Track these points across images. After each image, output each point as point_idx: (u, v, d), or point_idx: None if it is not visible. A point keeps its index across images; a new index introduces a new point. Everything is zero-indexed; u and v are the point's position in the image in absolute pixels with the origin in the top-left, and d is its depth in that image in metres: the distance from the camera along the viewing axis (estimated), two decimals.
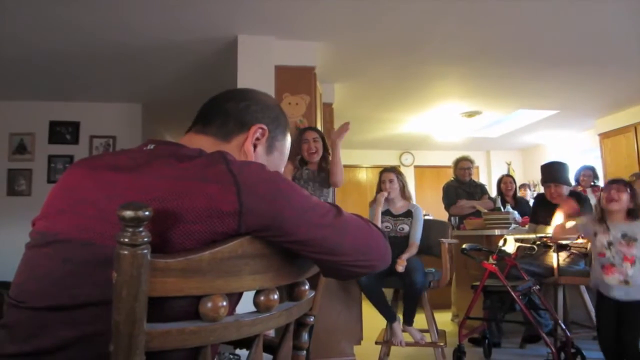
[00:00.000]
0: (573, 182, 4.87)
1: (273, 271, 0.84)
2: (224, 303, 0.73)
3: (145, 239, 0.64)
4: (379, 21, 3.44)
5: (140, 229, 0.63)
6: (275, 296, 0.84)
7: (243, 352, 1.20)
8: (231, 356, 1.92)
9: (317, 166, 3.17)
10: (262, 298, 0.82)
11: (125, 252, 0.63)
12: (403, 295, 3.08)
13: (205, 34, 3.62)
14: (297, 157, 3.13)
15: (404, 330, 3.03)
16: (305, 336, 1.07)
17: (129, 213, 0.62)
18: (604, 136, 6.30)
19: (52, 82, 4.58)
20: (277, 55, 3.67)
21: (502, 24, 3.49)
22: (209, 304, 0.72)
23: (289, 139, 1.10)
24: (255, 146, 0.98)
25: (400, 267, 3.03)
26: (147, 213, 0.63)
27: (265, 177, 0.80)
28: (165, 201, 0.73)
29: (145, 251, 0.64)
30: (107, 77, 4.51)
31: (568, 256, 3.38)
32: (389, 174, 3.39)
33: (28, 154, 5.06)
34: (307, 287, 0.98)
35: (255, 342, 0.86)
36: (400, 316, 3.04)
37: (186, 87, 4.78)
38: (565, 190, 3.58)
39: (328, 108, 4.73)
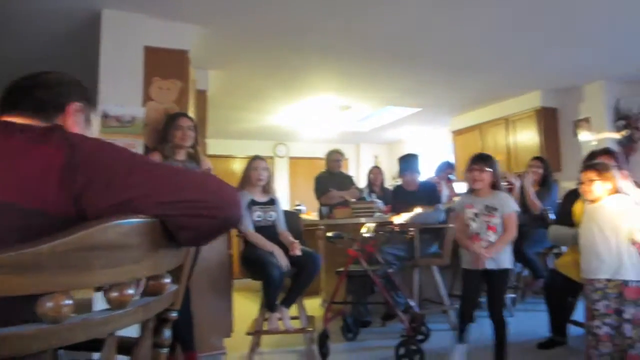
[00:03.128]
0: (434, 175, 5.41)
1: (128, 264, 0.79)
2: (68, 301, 0.67)
3: None
4: (258, 8, 3.37)
5: None
6: (131, 291, 0.79)
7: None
8: None
9: (185, 155, 3.01)
10: (114, 294, 0.77)
11: None
12: (297, 281, 3.13)
13: (64, 5, 3.22)
14: (168, 144, 2.92)
15: (279, 318, 3.09)
16: (167, 333, 1.02)
17: None
18: (457, 133, 7.05)
19: None
20: (148, 36, 3.42)
21: (376, 23, 3.67)
22: (49, 304, 0.65)
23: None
24: (76, 122, 1.08)
25: (298, 251, 3.11)
26: None
27: (100, 142, 0.93)
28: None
29: None
30: None
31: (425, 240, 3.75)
32: (262, 161, 3.40)
33: None
34: (168, 280, 0.94)
35: (107, 342, 0.80)
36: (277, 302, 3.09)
37: (41, 63, 4.22)
38: (417, 177, 4.06)
39: (202, 95, 4.57)
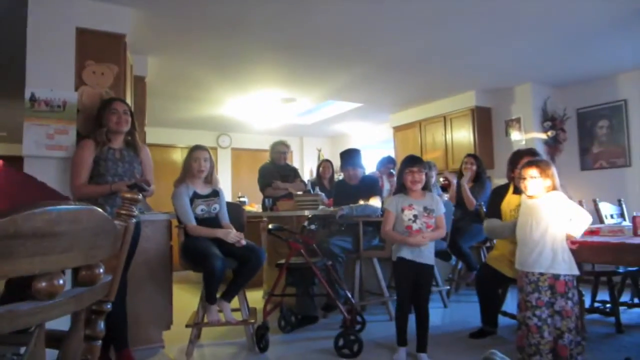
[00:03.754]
0: (376, 169, 5.53)
1: (58, 253, 0.75)
2: None
3: None
4: None
5: None
6: (61, 281, 0.76)
7: None
8: (14, 357, 1.67)
9: (122, 143, 2.86)
10: (43, 284, 0.73)
11: None
12: (239, 274, 3.10)
13: None
14: (102, 130, 2.77)
15: (219, 310, 3.05)
16: (101, 324, 0.99)
17: None
18: (397, 129, 7.25)
19: None
20: (80, 17, 3.22)
21: (317, 15, 3.68)
22: None
23: None
24: None
25: (243, 241, 3.12)
26: None
27: None
28: None
29: None
30: None
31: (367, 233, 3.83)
32: (204, 152, 3.31)
33: None
34: (101, 270, 0.90)
35: (34, 334, 0.76)
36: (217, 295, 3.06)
37: None
38: (360, 172, 4.11)
39: (140, 82, 4.39)
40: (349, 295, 3.38)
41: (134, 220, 1.06)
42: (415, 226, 2.80)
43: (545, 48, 4.48)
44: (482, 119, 6.07)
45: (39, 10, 3.10)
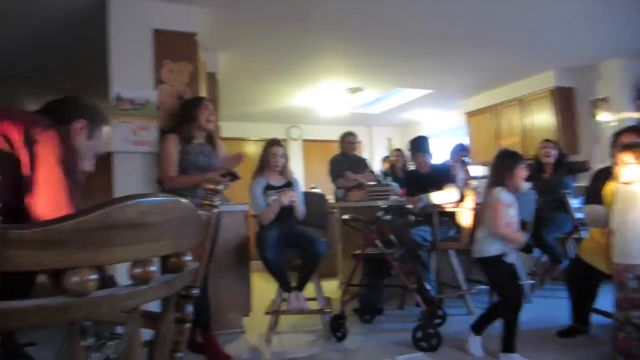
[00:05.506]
0: (449, 158, 5.35)
1: (149, 242, 0.79)
2: (93, 276, 0.67)
3: None
4: None
5: None
6: (153, 268, 0.80)
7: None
8: (111, 335, 1.80)
9: (204, 138, 2.99)
10: (138, 270, 0.77)
11: None
12: (302, 264, 3.16)
13: None
14: (187, 125, 2.89)
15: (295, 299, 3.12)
16: (189, 308, 1.04)
17: None
18: (470, 115, 6.96)
19: None
20: (156, 19, 3.40)
21: (383, 1, 3.62)
22: (74, 278, 0.66)
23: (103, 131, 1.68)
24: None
25: (286, 199, 3.23)
26: None
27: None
28: None
29: None
30: None
31: (443, 224, 3.72)
32: (280, 147, 3.39)
33: None
34: (188, 258, 0.94)
35: (131, 316, 0.81)
36: (293, 283, 3.12)
37: (52, 48, 4.25)
38: (429, 158, 3.98)
39: (212, 78, 4.56)
40: (429, 287, 3.30)
41: (215, 210, 1.09)
42: (515, 224, 2.67)
43: (636, 17, 4.08)
44: (564, 101, 5.67)
45: (118, 15, 3.30)
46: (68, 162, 1.38)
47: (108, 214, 0.70)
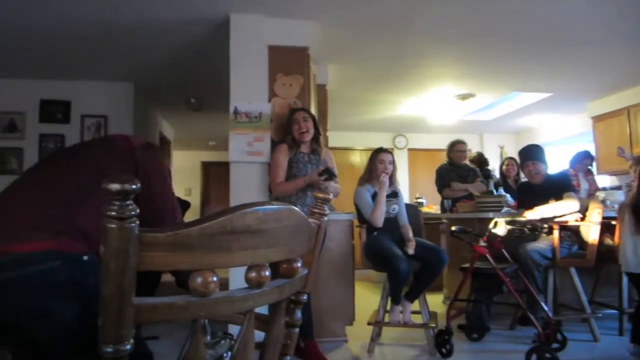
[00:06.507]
0: (569, 166, 4.90)
1: (264, 247, 0.83)
2: (214, 278, 0.73)
3: (133, 213, 0.62)
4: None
5: (128, 202, 0.62)
6: (267, 272, 0.84)
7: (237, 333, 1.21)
8: (224, 335, 1.92)
9: (309, 148, 3.12)
10: (253, 274, 0.82)
11: (113, 226, 0.62)
12: (421, 275, 3.11)
13: (197, 13, 3.54)
14: (288, 137, 3.10)
15: (400, 311, 3.08)
16: (298, 313, 1.07)
17: (115, 186, 0.61)
18: (597, 119, 6.31)
19: (42, 60, 4.50)
20: (270, 35, 3.60)
21: (497, 3, 3.45)
22: (199, 279, 0.71)
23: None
24: None
25: (411, 250, 3.10)
26: (133, 186, 0.61)
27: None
28: None
29: (133, 225, 0.63)
30: (98, 55, 4.43)
31: (565, 239, 3.40)
32: (388, 154, 3.38)
33: (18, 132, 4.99)
34: (299, 264, 0.98)
35: (246, 318, 0.86)
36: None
37: (179, 67, 4.72)
38: (543, 168, 3.60)
39: (322, 89, 4.69)
40: (545, 307, 3.05)
41: (325, 218, 1.11)
42: None
43: None
44: None
45: (239, 34, 3.54)
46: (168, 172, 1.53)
47: (229, 221, 0.76)
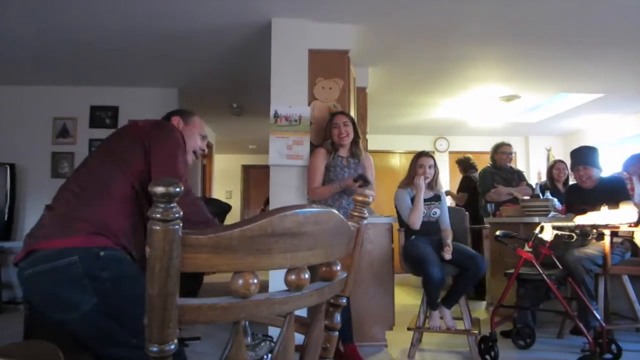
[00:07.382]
0: (622, 169, 4.66)
1: (304, 250, 0.83)
2: (255, 280, 0.73)
3: (177, 215, 0.64)
4: (413, 1, 3.34)
5: (172, 204, 0.63)
6: (307, 275, 0.84)
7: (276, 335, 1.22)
8: (264, 337, 1.94)
9: (348, 152, 3.12)
10: (292, 277, 0.82)
11: (157, 228, 0.63)
12: (458, 281, 3.06)
13: (239, 18, 3.61)
14: (328, 141, 3.11)
15: (440, 317, 3.03)
16: (337, 317, 1.07)
17: (160, 189, 0.62)
18: None
19: (92, 67, 4.71)
20: (311, 39, 3.62)
21: (543, 3, 3.34)
22: (240, 281, 0.72)
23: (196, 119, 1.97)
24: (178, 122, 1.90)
25: (448, 255, 3.03)
26: (177, 189, 0.63)
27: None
28: None
29: (177, 227, 0.64)
30: (144, 62, 4.60)
31: (617, 246, 3.24)
32: (429, 159, 3.33)
33: (70, 137, 5.25)
34: (338, 267, 0.97)
35: (286, 320, 0.86)
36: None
37: (221, 72, 4.82)
38: (596, 172, 3.42)
39: (362, 92, 4.67)
40: (598, 315, 2.90)
41: (364, 222, 1.11)
42: None
43: None
44: None
45: (280, 38, 3.58)
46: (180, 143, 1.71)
47: (270, 223, 0.76)
